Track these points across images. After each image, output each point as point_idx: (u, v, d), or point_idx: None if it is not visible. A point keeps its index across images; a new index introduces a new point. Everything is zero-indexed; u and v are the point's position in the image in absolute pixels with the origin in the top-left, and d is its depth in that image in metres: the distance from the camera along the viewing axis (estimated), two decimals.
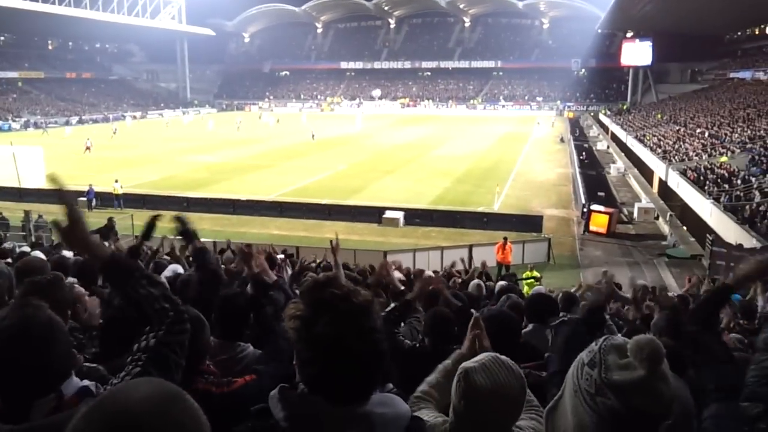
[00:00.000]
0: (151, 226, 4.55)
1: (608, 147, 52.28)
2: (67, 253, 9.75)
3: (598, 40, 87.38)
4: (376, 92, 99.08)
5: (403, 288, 6.74)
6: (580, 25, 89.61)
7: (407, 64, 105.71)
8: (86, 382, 1.80)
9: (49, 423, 1.61)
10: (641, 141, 43.10)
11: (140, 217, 23.57)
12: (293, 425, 1.51)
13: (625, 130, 52.29)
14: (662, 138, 42.44)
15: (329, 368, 1.50)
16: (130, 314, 3.33)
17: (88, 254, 2.02)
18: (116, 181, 28.28)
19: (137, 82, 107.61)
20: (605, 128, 64.30)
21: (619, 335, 1.48)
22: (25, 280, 3.25)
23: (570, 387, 1.50)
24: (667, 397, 1.39)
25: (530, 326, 4.88)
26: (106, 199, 27.67)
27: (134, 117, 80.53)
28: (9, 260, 7.08)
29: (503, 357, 1.96)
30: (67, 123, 74.35)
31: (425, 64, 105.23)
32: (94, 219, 21.90)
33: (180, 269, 8.52)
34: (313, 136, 52.67)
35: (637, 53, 77.40)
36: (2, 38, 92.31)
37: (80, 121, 77.25)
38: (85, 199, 27.52)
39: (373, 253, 18.46)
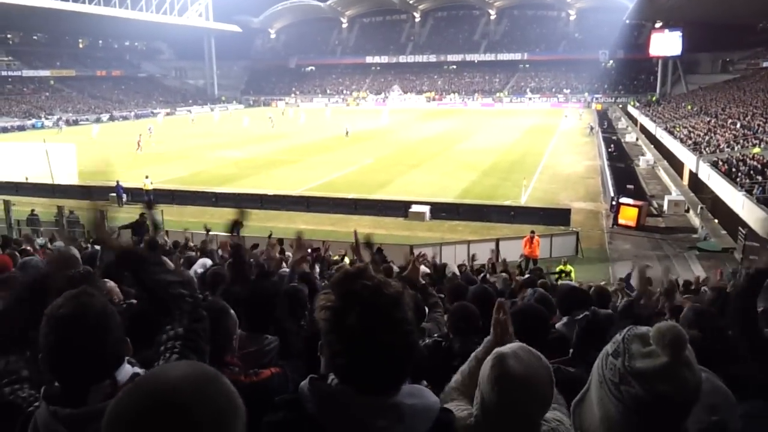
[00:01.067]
0: (237, 222, 4.63)
1: (637, 139, 51.54)
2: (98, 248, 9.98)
3: (626, 30, 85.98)
4: (396, 89, 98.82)
5: (424, 282, 6.77)
6: (607, 16, 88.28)
7: (432, 58, 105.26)
8: (138, 369, 1.87)
9: (103, 408, 1.66)
10: (671, 133, 42.42)
11: (170, 212, 24.01)
12: (324, 415, 1.53)
13: (654, 121, 51.47)
14: (693, 129, 41.72)
15: (359, 359, 1.51)
16: (148, 308, 3.43)
17: (105, 243, 2.19)
18: (146, 177, 28.70)
19: (166, 79, 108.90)
20: (634, 120, 63.40)
21: (643, 326, 1.48)
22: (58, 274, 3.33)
23: (596, 379, 1.51)
24: (692, 384, 1.38)
25: (564, 319, 4.88)
26: (136, 195, 28.10)
27: (169, 113, 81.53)
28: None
29: (532, 348, 1.95)
30: (98, 120, 75.59)
31: (451, 58, 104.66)
32: (125, 215, 22.33)
33: (209, 262, 8.67)
34: (347, 132, 51.52)
35: (666, 43, 76.01)
36: (35, 38, 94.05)
37: (111, 118, 78.51)
38: (114, 195, 28.03)
39: (400, 247, 18.50)
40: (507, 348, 1.88)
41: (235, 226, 4.59)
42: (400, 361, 1.54)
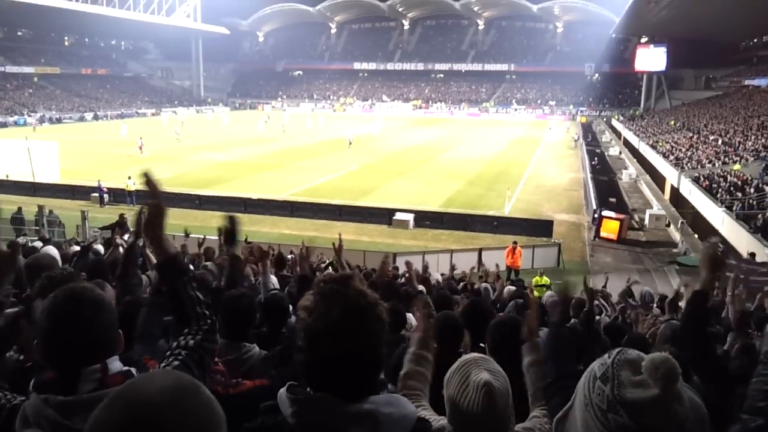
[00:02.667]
0: (232, 230, 4.55)
1: (620, 153, 52.05)
2: (76, 248, 9.87)
3: (612, 44, 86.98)
4: (388, 92, 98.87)
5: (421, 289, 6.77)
6: (594, 30, 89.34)
7: (420, 66, 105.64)
8: (132, 369, 1.92)
9: (95, 397, 1.71)
10: (654, 147, 42.90)
11: None
12: (301, 422, 1.54)
13: (638, 136, 52.04)
14: (675, 145, 42.22)
15: (314, 359, 1.55)
16: (133, 311, 3.40)
17: (157, 248, 2.18)
18: (129, 178, 28.45)
19: (152, 80, 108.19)
20: (618, 134, 64.03)
21: (633, 350, 1.48)
22: (43, 274, 3.32)
23: (581, 399, 1.49)
24: (681, 417, 1.37)
25: (542, 330, 4.91)
26: (118, 196, 27.85)
27: (154, 114, 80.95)
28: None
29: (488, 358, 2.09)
30: (82, 119, 75.00)
31: (438, 66, 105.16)
32: (106, 215, 22.14)
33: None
34: (350, 143, 48.65)
35: (651, 59, 76.94)
36: (19, 33, 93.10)
37: (95, 117, 77.83)
38: (96, 195, 27.79)
39: (383, 254, 18.48)
40: (485, 372, 1.96)
41: (229, 235, 4.55)
42: (357, 370, 1.56)
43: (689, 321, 2.79)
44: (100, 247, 10.90)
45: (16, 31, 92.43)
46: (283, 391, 1.61)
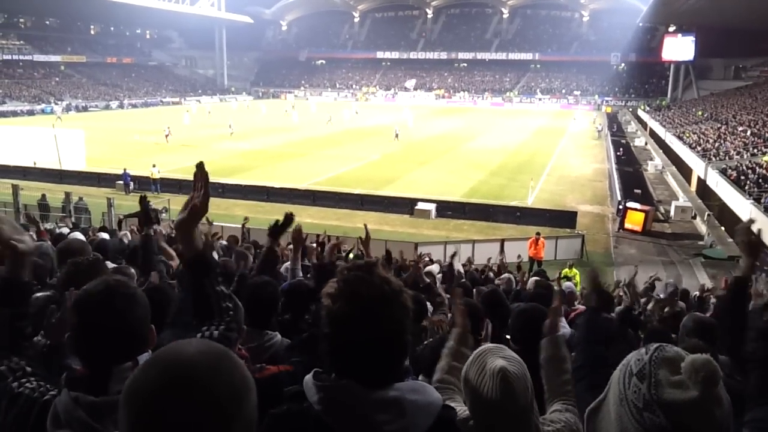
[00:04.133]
0: (287, 223, 4.61)
1: (646, 143, 51.34)
2: (105, 236, 10.02)
3: (639, 34, 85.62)
4: (410, 83, 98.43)
5: (429, 281, 6.75)
6: (620, 19, 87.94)
7: (443, 55, 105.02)
8: None
9: None
10: (680, 138, 42.21)
11: (176, 202, 24.01)
12: (326, 408, 1.55)
13: (664, 126, 51.24)
14: (702, 135, 41.50)
15: (339, 347, 1.57)
16: (157, 297, 3.43)
17: (186, 243, 2.14)
18: (154, 166, 28.76)
19: (176, 68, 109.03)
20: (644, 124, 63.14)
21: (671, 346, 1.43)
22: (68, 261, 3.35)
23: (615, 393, 1.46)
24: (719, 420, 1.33)
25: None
26: (143, 183, 28.14)
27: (176, 103, 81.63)
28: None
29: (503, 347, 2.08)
30: (108, 107, 75.92)
31: (462, 55, 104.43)
32: (131, 203, 22.39)
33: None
34: (397, 135, 46.81)
35: (678, 48, 75.56)
36: (47, 23, 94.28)
37: (120, 106, 78.69)
38: (121, 182, 28.12)
39: (405, 244, 18.47)
40: (500, 359, 1.94)
41: (279, 228, 4.59)
42: (384, 356, 1.57)
43: (729, 307, 2.74)
44: (126, 233, 11.06)
45: (44, 20, 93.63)
46: (309, 377, 1.62)
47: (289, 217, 4.61)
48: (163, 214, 20.77)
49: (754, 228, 2.76)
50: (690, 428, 1.32)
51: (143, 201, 4.55)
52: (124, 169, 28.70)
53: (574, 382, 2.39)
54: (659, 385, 1.35)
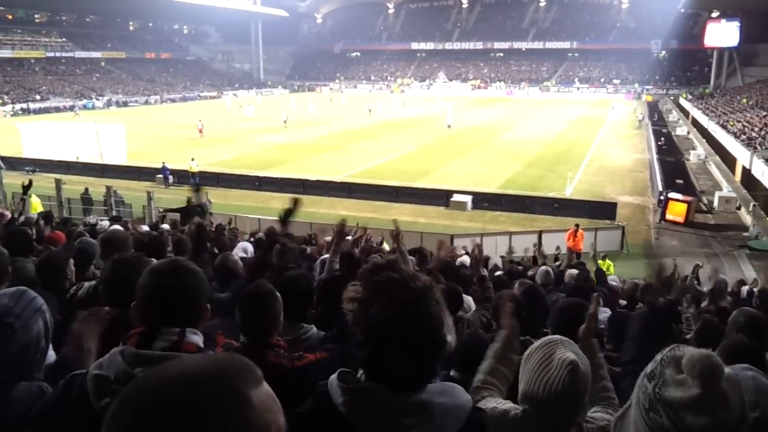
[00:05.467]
0: (290, 212, 4.65)
1: (688, 132, 50.14)
2: (144, 228, 10.18)
3: (681, 20, 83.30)
4: (441, 75, 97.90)
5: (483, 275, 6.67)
6: (661, 5, 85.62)
7: (479, 45, 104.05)
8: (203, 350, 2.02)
9: (164, 356, 1.84)
10: (724, 127, 41.06)
11: (214, 195, 24.36)
12: (352, 410, 1.52)
13: (707, 115, 49.91)
14: (747, 124, 40.28)
15: (381, 352, 1.52)
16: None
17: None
18: (192, 159, 29.16)
19: (213, 63, 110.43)
20: (686, 113, 61.67)
21: (686, 346, 1.36)
22: (114, 256, 3.43)
23: (634, 398, 1.41)
24: (725, 422, 1.24)
25: (605, 313, 4.80)
26: (182, 177, 28.58)
27: (213, 97, 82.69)
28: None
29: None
30: (147, 102, 77.32)
31: (498, 45, 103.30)
32: (171, 196, 22.80)
33: (250, 247, 8.76)
34: (449, 126, 47.31)
35: (722, 34, 73.34)
36: (87, 20, 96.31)
37: (160, 101, 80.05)
38: (161, 176, 28.60)
39: (440, 236, 18.38)
40: (570, 352, 1.95)
41: (289, 214, 4.59)
42: (424, 356, 1.54)
43: None
44: (166, 227, 11.23)
45: (85, 17, 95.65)
46: (333, 378, 1.60)
47: (296, 203, 4.59)
48: (209, 205, 21.09)
49: None
50: (690, 429, 1.24)
51: (196, 192, 4.64)
52: (163, 163, 29.19)
53: (621, 377, 2.34)
54: (664, 384, 1.30)
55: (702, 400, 1.24)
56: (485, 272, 7.67)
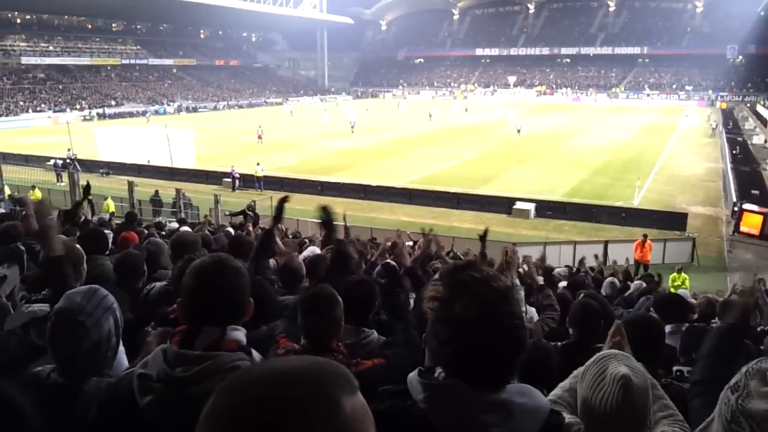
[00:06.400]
0: (280, 209, 4.78)
1: (766, 141, 47.95)
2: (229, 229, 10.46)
3: (760, 23, 79.95)
4: (512, 78, 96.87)
5: (543, 283, 6.56)
6: (738, 8, 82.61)
7: (545, 51, 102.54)
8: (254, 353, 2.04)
9: (201, 355, 1.90)
10: None
11: (278, 199, 24.82)
12: (432, 407, 1.53)
13: None
14: None
15: (465, 349, 1.52)
16: (258, 290, 3.55)
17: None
18: (258, 164, 29.80)
19: (279, 70, 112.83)
20: (763, 121, 59.02)
21: None
22: (185, 256, 3.58)
23: (717, 410, 1.39)
24: None
25: (668, 328, 4.64)
26: (248, 181, 29.27)
27: (279, 103, 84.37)
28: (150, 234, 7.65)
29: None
30: (215, 108, 79.58)
31: (564, 51, 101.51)
32: (237, 199, 23.35)
33: (317, 250, 8.87)
34: (519, 131, 47.63)
35: None
36: (161, 28, 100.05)
37: (228, 107, 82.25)
38: (229, 180, 29.38)
39: (502, 244, 18.15)
40: (623, 366, 1.90)
41: (280, 212, 4.72)
42: (507, 354, 1.55)
43: None
44: (230, 230, 11.51)
45: (158, 25, 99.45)
46: (413, 375, 1.61)
47: (326, 210, 4.63)
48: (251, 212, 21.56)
49: None
50: None
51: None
52: (232, 167, 29.95)
53: (690, 398, 2.25)
54: (748, 396, 1.27)
55: None
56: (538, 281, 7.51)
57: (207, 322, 1.97)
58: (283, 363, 0.96)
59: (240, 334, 2.02)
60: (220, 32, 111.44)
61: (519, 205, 25.05)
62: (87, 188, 8.42)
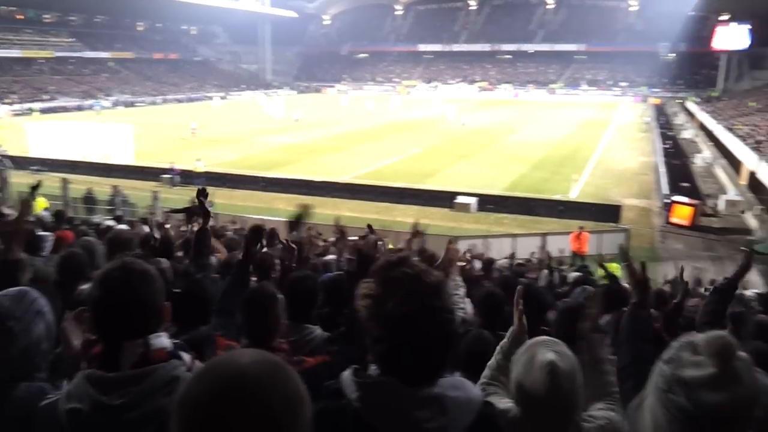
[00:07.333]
0: (301, 216, 4.72)
1: (695, 136, 49.97)
2: (147, 229, 10.25)
3: (690, 23, 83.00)
4: (454, 75, 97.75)
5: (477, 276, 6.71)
6: (670, 8, 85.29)
7: (486, 47, 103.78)
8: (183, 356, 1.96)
9: (135, 375, 1.78)
10: (731, 130, 40.91)
11: (220, 196, 24.44)
12: (366, 406, 1.54)
13: (714, 118, 49.72)
14: (755, 127, 40.13)
15: (399, 346, 1.54)
16: (197, 290, 3.52)
17: None
18: (198, 160, 29.26)
19: (220, 64, 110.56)
20: (692, 116, 61.46)
21: (701, 334, 1.44)
22: (117, 257, 3.51)
23: (651, 384, 1.49)
24: (741, 398, 1.33)
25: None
26: (188, 177, 28.68)
27: (222, 98, 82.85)
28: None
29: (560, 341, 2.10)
30: (153, 103, 77.54)
31: (505, 47, 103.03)
32: (177, 196, 22.88)
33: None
34: (464, 124, 50.04)
35: (731, 37, 72.89)
36: (96, 20, 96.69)
37: (165, 101, 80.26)
38: (167, 176, 28.73)
39: (445, 238, 18.39)
40: (551, 352, 1.99)
41: (299, 221, 4.66)
42: (440, 349, 1.56)
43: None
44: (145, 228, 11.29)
45: (93, 17, 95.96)
46: (347, 374, 1.62)
47: (305, 209, 4.65)
48: (210, 208, 21.14)
49: None
50: (710, 407, 1.32)
51: (201, 194, 4.62)
52: (171, 163, 29.32)
53: (620, 383, 2.37)
54: (681, 366, 1.38)
55: (717, 378, 1.33)
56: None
57: (125, 336, 1.84)
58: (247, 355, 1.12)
59: (164, 340, 1.92)
60: (159, 25, 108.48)
61: (461, 199, 25.39)
62: (36, 187, 8.13)
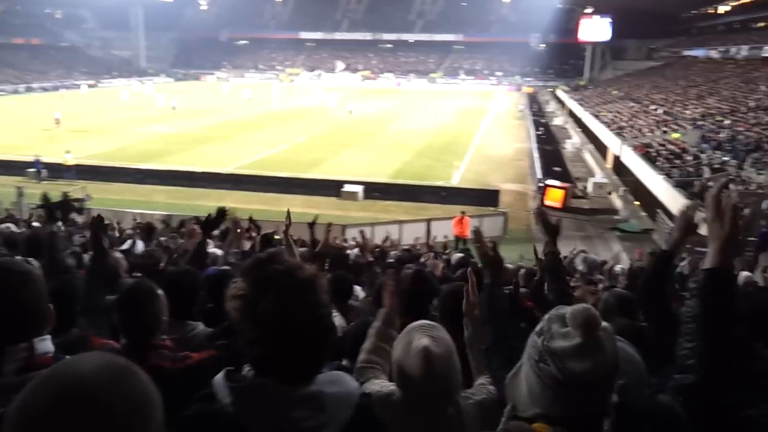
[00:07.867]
0: (219, 218, 4.60)
1: (565, 122, 52.88)
2: (14, 228, 9.55)
3: (558, 15, 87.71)
4: (340, 65, 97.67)
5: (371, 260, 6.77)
6: (540, 0, 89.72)
7: (368, 36, 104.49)
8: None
9: (19, 381, 1.62)
10: (596, 117, 43.73)
11: (93, 189, 23.13)
12: (240, 410, 1.49)
13: (582, 105, 52.91)
14: (617, 114, 43.15)
15: (276, 347, 1.49)
16: (68, 289, 3.34)
17: None
18: (67, 152, 27.47)
19: (89, 50, 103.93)
20: (562, 104, 64.99)
21: (568, 307, 1.55)
22: None
23: (525, 355, 1.59)
24: (603, 366, 1.45)
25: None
26: (56, 170, 26.85)
27: (92, 85, 78.03)
28: None
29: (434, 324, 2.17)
30: (15, 91, 71.85)
31: (386, 36, 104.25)
32: (43, 191, 21.35)
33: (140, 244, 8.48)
34: (350, 112, 50.40)
35: (595, 29, 78.04)
36: None
37: (29, 89, 74.61)
38: (33, 170, 26.77)
39: (333, 227, 18.39)
40: (426, 337, 2.05)
41: (212, 223, 4.58)
42: (317, 346, 1.54)
43: (652, 278, 2.87)
44: (36, 224, 10.58)
45: None
46: (219, 378, 1.57)
47: (221, 212, 4.59)
48: (87, 202, 20.01)
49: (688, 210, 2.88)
50: (574, 373, 1.44)
51: (64, 195, 4.42)
52: (36, 156, 27.32)
53: (487, 362, 2.46)
54: (551, 337, 1.49)
55: (582, 348, 1.44)
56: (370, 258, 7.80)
57: (6, 341, 1.74)
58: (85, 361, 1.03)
59: (48, 344, 1.84)
60: (18, 7, 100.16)
61: (347, 187, 25.54)
62: None
